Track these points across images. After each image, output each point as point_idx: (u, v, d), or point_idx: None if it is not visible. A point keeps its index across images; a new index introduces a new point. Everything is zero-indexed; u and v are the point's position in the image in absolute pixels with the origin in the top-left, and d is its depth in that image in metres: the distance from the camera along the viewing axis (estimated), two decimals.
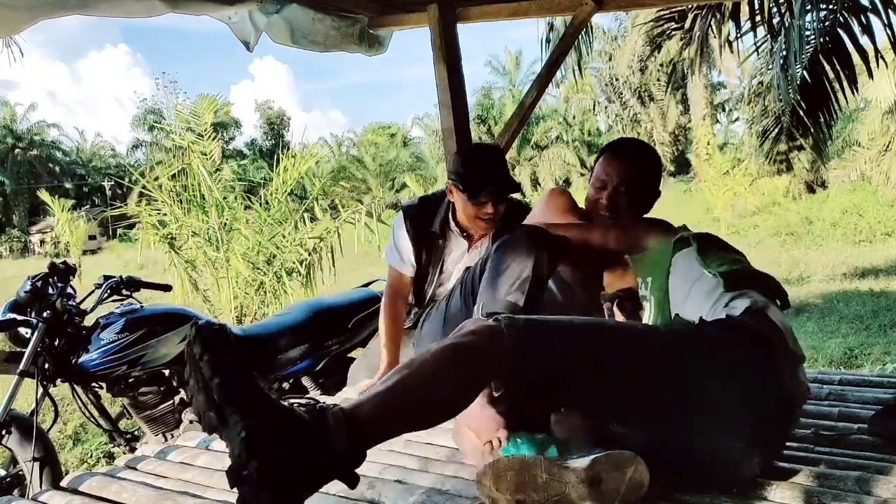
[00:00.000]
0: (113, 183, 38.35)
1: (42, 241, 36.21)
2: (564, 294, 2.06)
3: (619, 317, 1.93)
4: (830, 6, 4.78)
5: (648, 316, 1.78)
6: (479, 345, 1.33)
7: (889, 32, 4.49)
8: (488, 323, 1.37)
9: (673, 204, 21.54)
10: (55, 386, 2.88)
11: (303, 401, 1.28)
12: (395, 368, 1.35)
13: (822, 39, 4.83)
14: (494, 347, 1.33)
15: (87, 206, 37.30)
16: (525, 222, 2.12)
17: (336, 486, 1.73)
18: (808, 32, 4.88)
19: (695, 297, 1.66)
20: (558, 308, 2.00)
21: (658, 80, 25.52)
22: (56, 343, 2.80)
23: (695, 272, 1.69)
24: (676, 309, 1.71)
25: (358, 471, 1.86)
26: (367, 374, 2.83)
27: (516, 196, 2.62)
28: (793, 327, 1.62)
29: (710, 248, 1.76)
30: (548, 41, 5.35)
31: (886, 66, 6.21)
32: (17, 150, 40.85)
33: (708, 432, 1.44)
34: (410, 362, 1.33)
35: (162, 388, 2.99)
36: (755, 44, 5.71)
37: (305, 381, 3.26)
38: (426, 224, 2.49)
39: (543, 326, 1.43)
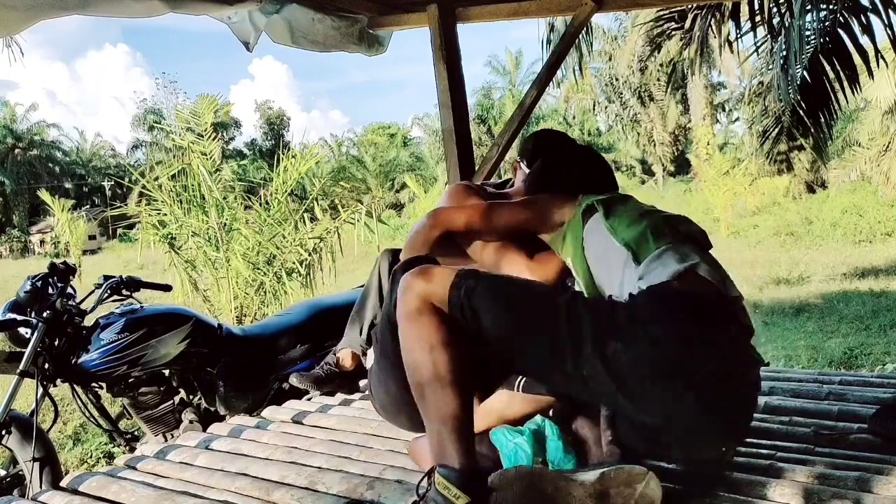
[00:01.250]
0: (113, 183, 38.38)
1: (42, 241, 36.20)
2: None
3: None
4: (830, 6, 4.78)
5: None
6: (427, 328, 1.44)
7: (889, 32, 4.48)
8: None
9: (673, 204, 21.53)
10: (55, 386, 2.88)
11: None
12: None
13: (822, 39, 4.82)
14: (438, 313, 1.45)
15: (87, 206, 37.31)
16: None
17: (336, 486, 1.73)
18: (808, 32, 4.87)
19: (613, 269, 1.57)
20: None
21: (658, 80, 25.50)
22: (56, 343, 2.79)
23: (605, 241, 1.60)
24: (602, 286, 1.61)
25: (358, 471, 1.87)
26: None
27: None
28: (728, 274, 1.54)
29: (616, 208, 1.65)
30: (548, 42, 5.35)
31: (886, 66, 6.21)
32: (17, 150, 40.83)
33: (654, 410, 1.39)
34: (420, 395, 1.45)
35: (162, 388, 2.99)
36: (755, 44, 5.70)
37: None
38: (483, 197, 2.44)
39: (489, 281, 1.50)
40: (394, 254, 2.70)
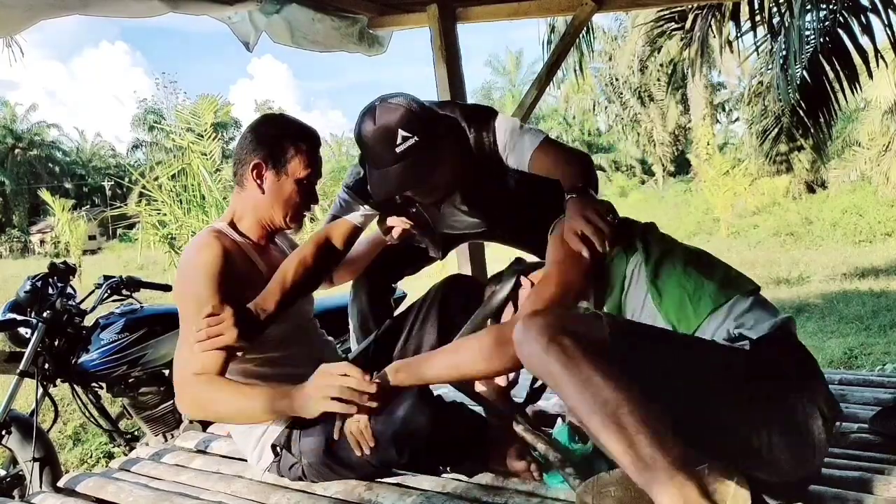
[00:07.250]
0: (113, 183, 38.38)
1: (42, 241, 36.19)
2: None
3: (527, 288, 1.68)
4: (830, 6, 4.78)
5: None
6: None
7: (889, 32, 4.48)
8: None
9: (673, 204, 21.55)
10: (55, 386, 2.88)
11: None
12: None
13: (822, 39, 4.83)
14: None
15: (87, 206, 37.31)
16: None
17: (334, 487, 1.73)
18: (808, 32, 4.88)
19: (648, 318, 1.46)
20: None
21: (658, 80, 25.49)
22: (56, 343, 2.79)
23: (645, 301, 1.47)
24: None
25: None
26: None
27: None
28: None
29: (663, 263, 1.50)
30: (549, 43, 5.35)
31: (886, 66, 6.21)
32: (17, 150, 40.84)
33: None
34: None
35: (162, 388, 2.99)
36: (755, 44, 5.71)
37: None
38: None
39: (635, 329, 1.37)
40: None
